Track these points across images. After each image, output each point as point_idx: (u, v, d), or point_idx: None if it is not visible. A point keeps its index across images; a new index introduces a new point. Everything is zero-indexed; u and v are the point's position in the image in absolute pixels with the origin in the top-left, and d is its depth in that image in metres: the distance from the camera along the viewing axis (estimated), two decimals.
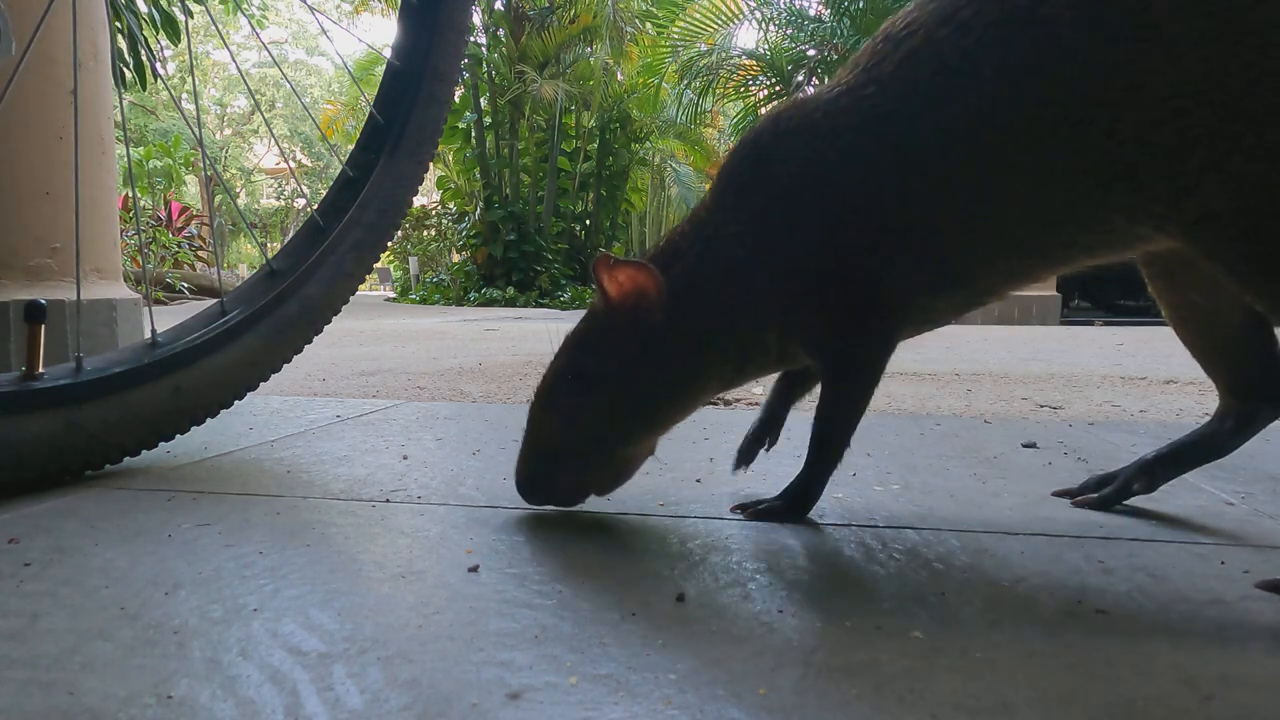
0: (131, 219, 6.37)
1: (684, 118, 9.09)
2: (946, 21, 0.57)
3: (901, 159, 0.60)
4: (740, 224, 0.65)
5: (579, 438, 0.66)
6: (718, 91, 7.53)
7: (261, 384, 0.97)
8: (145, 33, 2.63)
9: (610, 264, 0.63)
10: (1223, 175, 0.51)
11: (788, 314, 0.65)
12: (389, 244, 1.09)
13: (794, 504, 0.69)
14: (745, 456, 0.79)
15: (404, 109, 1.04)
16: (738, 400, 1.56)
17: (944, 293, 0.65)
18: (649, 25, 8.85)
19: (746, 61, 7.22)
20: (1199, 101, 0.51)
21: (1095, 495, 0.73)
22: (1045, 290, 5.24)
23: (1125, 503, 0.72)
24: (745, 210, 0.65)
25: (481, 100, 9.21)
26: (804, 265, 0.64)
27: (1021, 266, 0.63)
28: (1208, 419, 0.70)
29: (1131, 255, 0.63)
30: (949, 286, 0.64)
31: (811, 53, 6.76)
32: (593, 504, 0.73)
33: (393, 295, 12.47)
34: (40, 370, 0.81)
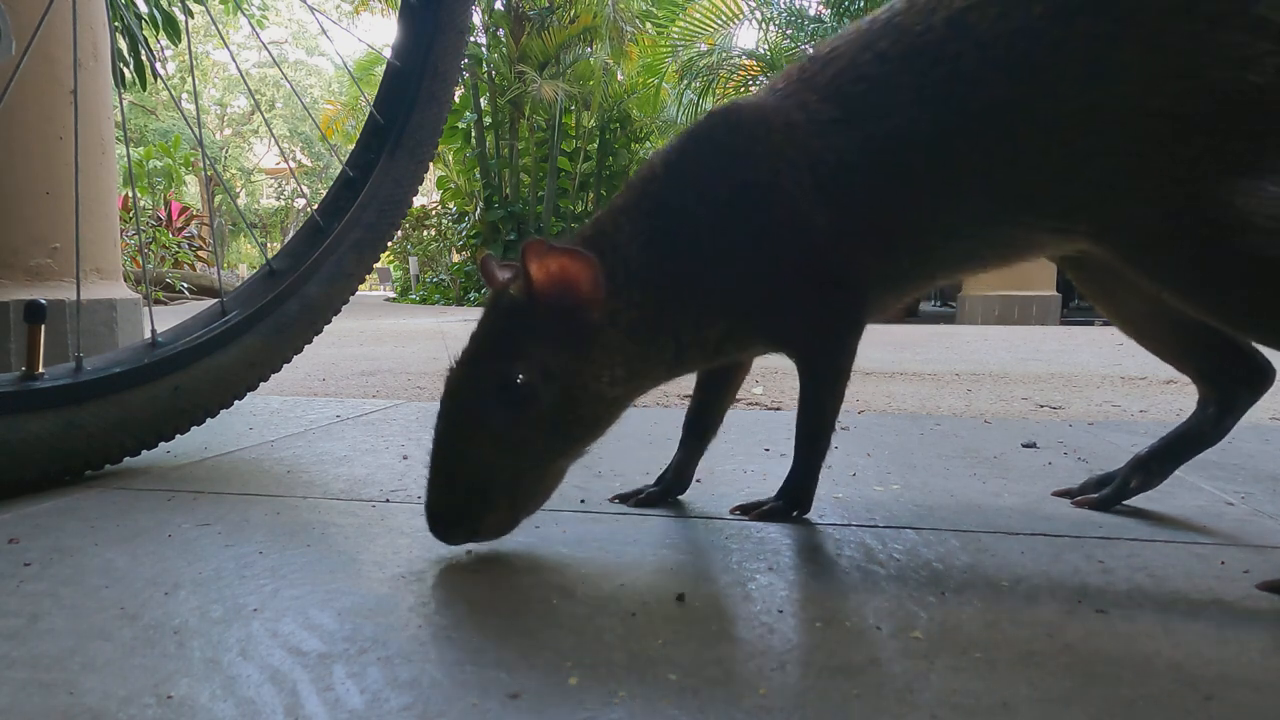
0: (131, 219, 6.36)
1: (684, 118, 9.08)
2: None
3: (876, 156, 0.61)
4: (699, 210, 0.62)
5: (509, 458, 0.57)
6: (718, 91, 7.52)
7: (261, 384, 0.97)
8: (145, 33, 2.63)
9: (543, 250, 0.55)
10: (1132, 187, 0.54)
11: (747, 308, 0.63)
12: (389, 244, 1.09)
13: (793, 501, 0.69)
14: (676, 485, 0.75)
15: (404, 109, 1.04)
16: (737, 400, 1.56)
17: (896, 282, 0.67)
18: (649, 25, 8.85)
19: (746, 61, 7.22)
20: (1105, 123, 0.54)
21: (1095, 496, 0.73)
22: (1045, 290, 5.25)
23: (1125, 503, 0.72)
24: (708, 197, 0.62)
25: (481, 100, 9.21)
26: (770, 258, 0.62)
27: (959, 262, 0.66)
28: (1192, 411, 0.70)
29: (1055, 254, 0.67)
30: (902, 276, 0.66)
31: (811, 53, 6.76)
32: (592, 504, 0.73)
33: (393, 295, 12.48)
34: (40, 370, 0.81)
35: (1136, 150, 0.53)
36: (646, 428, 1.12)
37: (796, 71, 0.66)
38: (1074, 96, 0.54)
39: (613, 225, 0.63)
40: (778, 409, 1.35)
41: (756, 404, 1.53)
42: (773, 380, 1.87)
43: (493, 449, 0.57)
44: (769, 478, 0.83)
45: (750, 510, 0.70)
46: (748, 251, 0.62)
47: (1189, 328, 0.67)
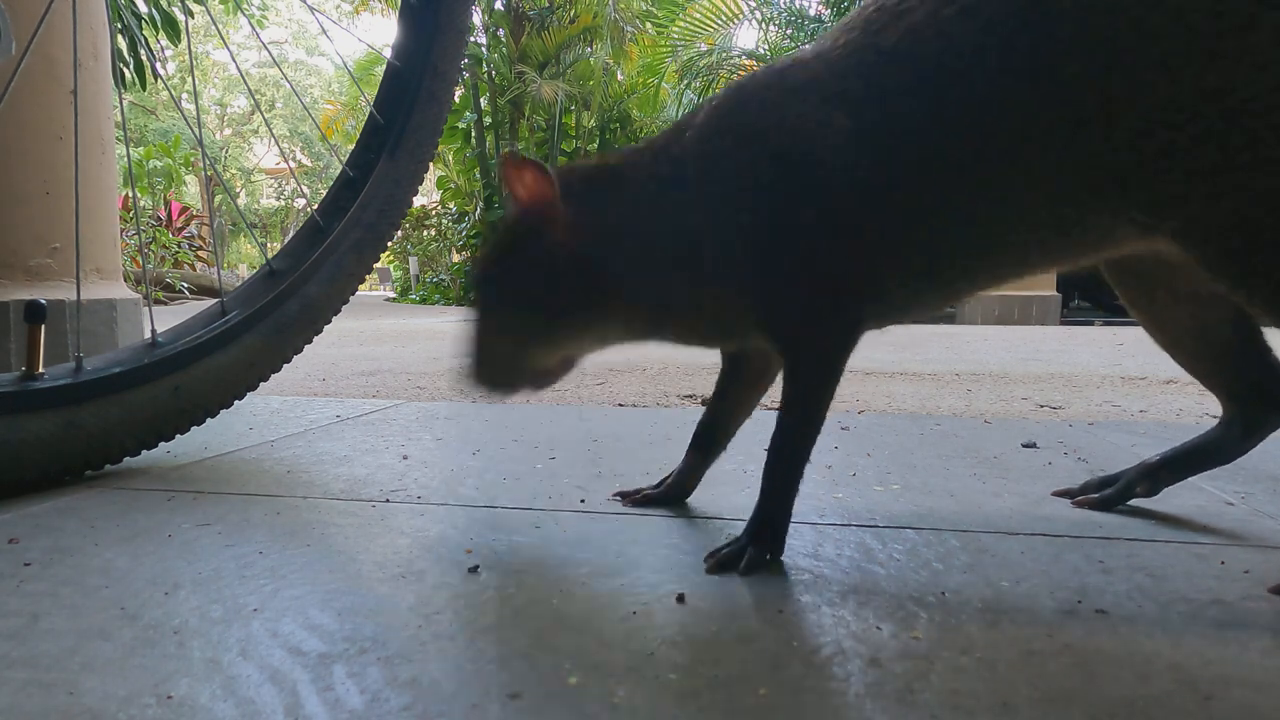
0: (131, 219, 6.36)
1: None
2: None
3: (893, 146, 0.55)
4: (698, 171, 0.59)
5: (496, 338, 0.65)
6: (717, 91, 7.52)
7: (261, 384, 0.97)
8: (145, 33, 2.63)
9: (516, 163, 0.59)
10: (1210, 182, 0.49)
11: (741, 283, 0.59)
12: (389, 244, 1.09)
13: (761, 540, 0.58)
14: (678, 491, 0.74)
15: (404, 109, 1.04)
16: None
17: (912, 285, 0.59)
18: (649, 25, 8.85)
19: (746, 61, 7.22)
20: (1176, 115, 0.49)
21: (1096, 496, 0.73)
22: (1045, 290, 5.24)
23: (1125, 503, 0.72)
24: (714, 160, 0.59)
25: (481, 100, 9.21)
26: (769, 232, 0.57)
27: (994, 267, 0.58)
28: (1214, 424, 0.69)
29: (1108, 257, 0.60)
30: (917, 280, 0.59)
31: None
32: (592, 504, 0.73)
33: (393, 295, 12.47)
34: (40, 370, 0.81)
35: (1246, 138, 0.47)
36: (646, 428, 1.12)
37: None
38: (1184, 69, 0.48)
39: (628, 153, 0.64)
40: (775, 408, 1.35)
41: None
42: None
43: (484, 325, 0.65)
44: None
45: (711, 558, 0.58)
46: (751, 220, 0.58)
47: (1227, 344, 0.65)
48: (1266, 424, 0.66)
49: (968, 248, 0.57)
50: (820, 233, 0.56)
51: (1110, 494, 0.72)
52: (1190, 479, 0.82)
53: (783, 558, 0.59)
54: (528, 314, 0.64)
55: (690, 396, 1.55)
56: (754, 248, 0.58)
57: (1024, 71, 0.51)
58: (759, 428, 1.11)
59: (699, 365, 1.76)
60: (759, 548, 0.58)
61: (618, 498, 0.75)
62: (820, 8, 6.78)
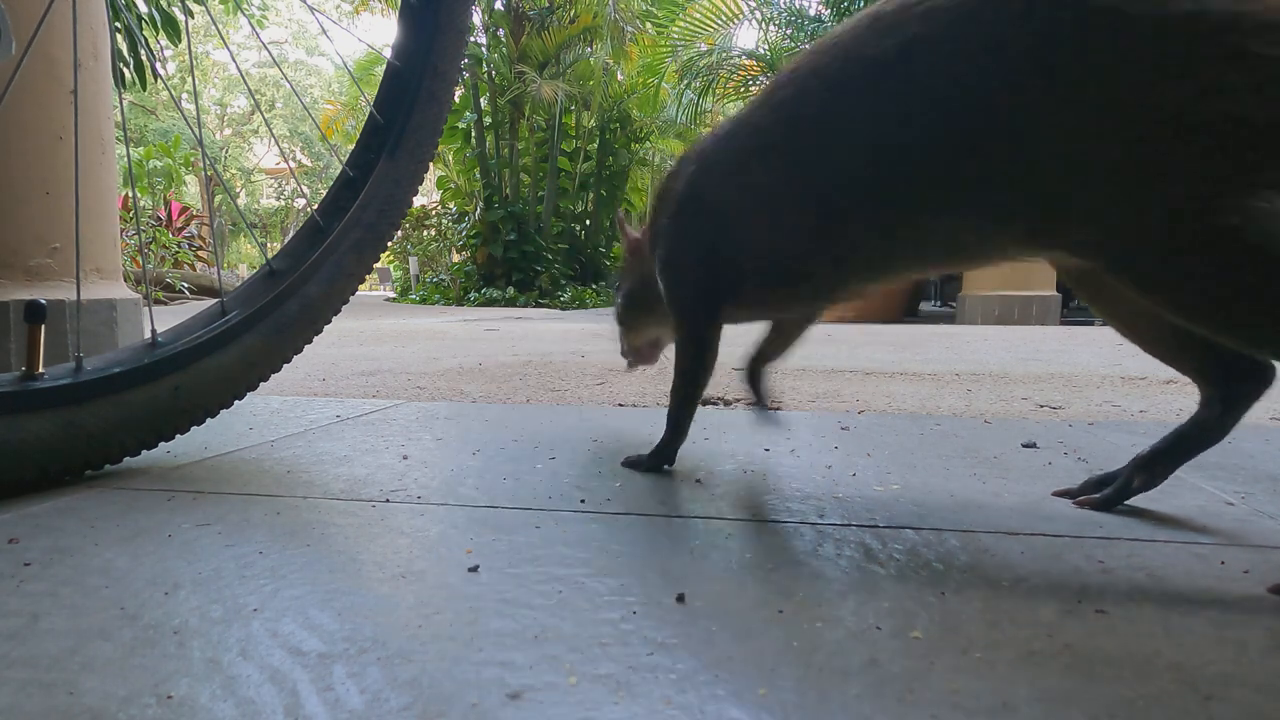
0: (131, 219, 6.36)
1: (684, 118, 9.08)
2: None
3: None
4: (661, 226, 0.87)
5: (620, 320, 1.02)
6: (718, 91, 7.52)
7: (261, 384, 0.97)
8: (145, 33, 2.63)
9: (623, 225, 1.00)
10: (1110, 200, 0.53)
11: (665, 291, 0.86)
12: (389, 244, 1.09)
13: (656, 454, 0.86)
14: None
15: (404, 109, 1.03)
16: (737, 400, 1.56)
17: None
18: (649, 25, 8.84)
19: (746, 61, 7.22)
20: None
21: (1098, 496, 0.73)
22: (1045, 290, 5.24)
23: (1125, 502, 0.72)
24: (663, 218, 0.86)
25: (481, 100, 9.21)
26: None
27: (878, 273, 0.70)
28: (1196, 409, 0.69)
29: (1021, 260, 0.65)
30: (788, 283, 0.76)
31: None
32: (592, 504, 0.73)
33: (393, 295, 12.47)
34: (40, 370, 0.81)
35: (1132, 158, 0.52)
36: (646, 428, 1.12)
37: None
38: (1070, 100, 0.53)
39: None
40: (777, 409, 1.35)
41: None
42: (773, 380, 1.87)
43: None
44: (769, 478, 0.83)
45: (626, 461, 0.87)
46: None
47: (1181, 327, 0.66)
48: (1242, 396, 0.67)
49: (880, 266, 0.69)
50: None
51: (1110, 493, 0.72)
52: (1191, 480, 0.82)
53: (782, 558, 0.59)
54: (629, 310, 0.99)
55: None
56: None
57: (907, 126, 0.60)
58: (758, 428, 1.10)
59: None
60: (655, 459, 0.86)
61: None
62: (820, 8, 6.78)
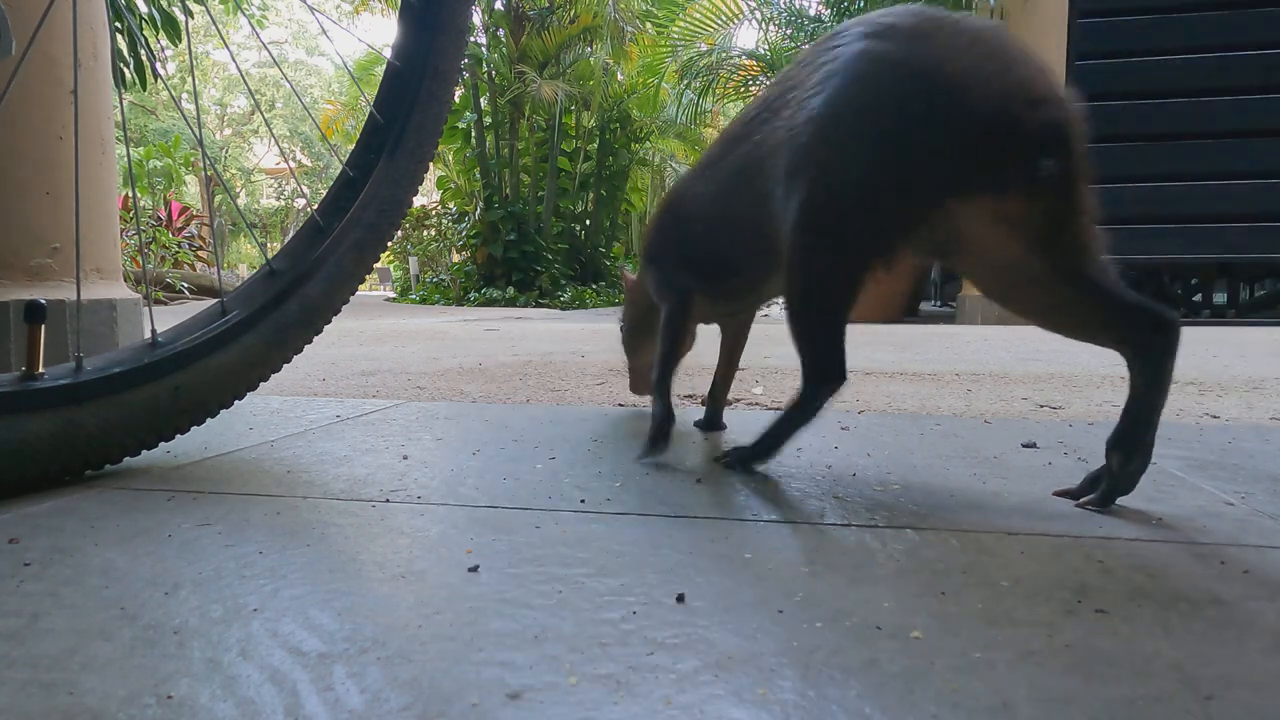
0: (131, 219, 6.36)
1: (684, 118, 9.08)
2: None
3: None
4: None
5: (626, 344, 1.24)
6: (718, 91, 7.52)
7: (261, 384, 0.97)
8: (145, 33, 2.63)
9: (626, 273, 1.25)
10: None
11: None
12: (389, 244, 1.09)
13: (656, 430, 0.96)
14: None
15: (404, 109, 1.03)
16: (737, 400, 1.56)
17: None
18: (649, 25, 8.85)
19: (746, 61, 7.22)
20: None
21: (1094, 495, 0.73)
22: None
23: (1125, 502, 0.72)
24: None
25: (481, 100, 9.20)
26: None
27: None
28: (1127, 376, 0.72)
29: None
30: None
31: None
32: (592, 504, 0.73)
33: (393, 295, 12.46)
34: (40, 370, 0.81)
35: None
36: (646, 428, 1.12)
37: None
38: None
39: None
40: (778, 409, 1.35)
41: (757, 404, 1.53)
42: (773, 380, 1.87)
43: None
44: (769, 478, 0.83)
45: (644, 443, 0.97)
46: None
47: (1082, 306, 0.72)
48: (1160, 346, 0.70)
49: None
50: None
51: (1105, 490, 0.72)
52: (1191, 480, 0.82)
53: (782, 558, 0.59)
54: (632, 338, 1.21)
55: (690, 396, 1.55)
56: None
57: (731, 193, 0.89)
58: (758, 427, 1.11)
59: (699, 366, 1.76)
60: (656, 435, 0.93)
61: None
62: (820, 8, 6.78)
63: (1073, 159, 0.67)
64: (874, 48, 0.71)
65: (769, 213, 0.80)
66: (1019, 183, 0.67)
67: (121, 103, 1.14)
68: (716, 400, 1.15)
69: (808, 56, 0.79)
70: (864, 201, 0.72)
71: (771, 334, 1.85)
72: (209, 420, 0.94)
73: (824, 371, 0.77)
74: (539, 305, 8.35)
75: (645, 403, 1.53)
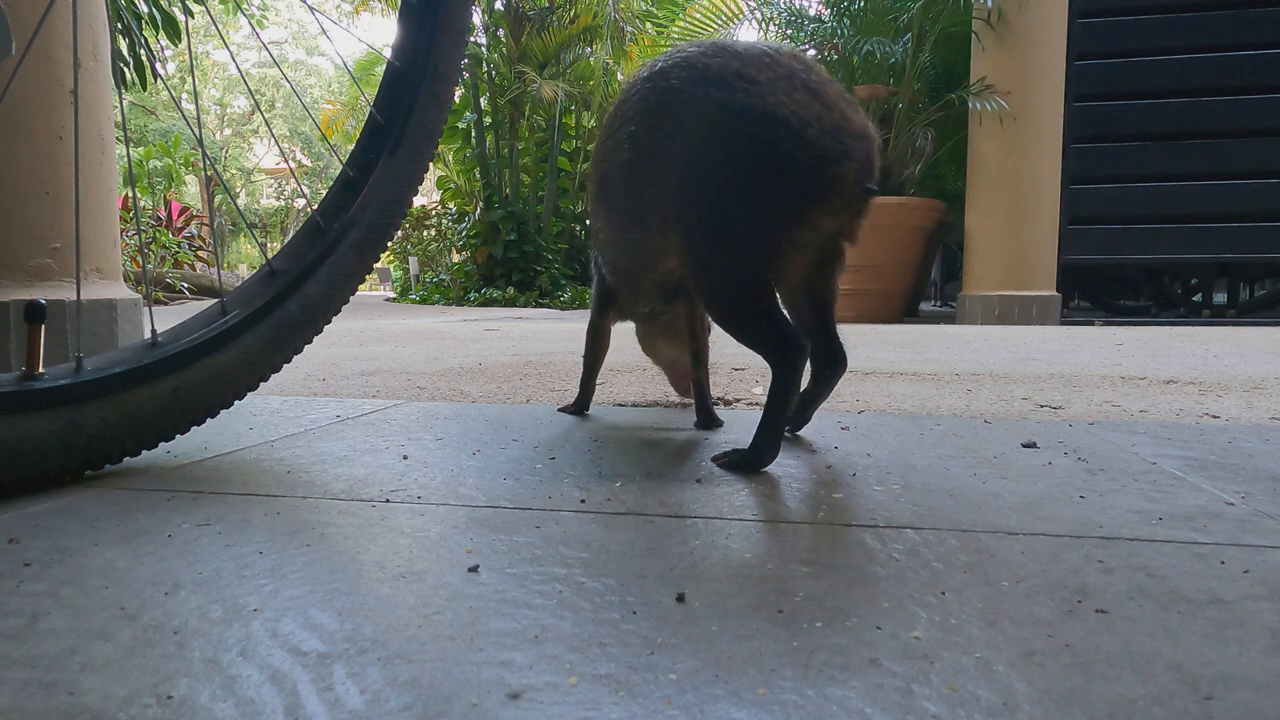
0: (131, 219, 6.36)
1: None
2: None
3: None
4: None
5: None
6: None
7: (261, 384, 0.97)
8: (145, 33, 2.63)
9: None
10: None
11: None
12: (389, 244, 1.09)
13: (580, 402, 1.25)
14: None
15: (404, 109, 1.03)
16: (737, 400, 1.56)
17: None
18: (649, 25, 8.84)
19: None
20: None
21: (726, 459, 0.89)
22: (1045, 290, 5.24)
23: (1125, 503, 0.72)
24: None
25: (481, 100, 9.20)
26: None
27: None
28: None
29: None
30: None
31: (811, 53, 6.75)
32: (592, 504, 0.73)
33: (393, 295, 12.46)
34: (40, 370, 0.81)
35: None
36: (646, 428, 1.12)
37: None
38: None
39: None
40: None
41: (756, 404, 1.53)
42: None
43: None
44: (769, 478, 0.83)
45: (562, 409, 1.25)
46: None
47: (802, 315, 0.98)
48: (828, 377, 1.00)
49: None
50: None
51: (733, 458, 0.88)
52: (1191, 480, 0.81)
53: (782, 558, 0.59)
54: (646, 341, 1.21)
55: (687, 402, 1.55)
56: None
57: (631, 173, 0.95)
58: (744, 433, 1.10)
59: (713, 364, 1.76)
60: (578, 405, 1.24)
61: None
62: (820, 8, 6.78)
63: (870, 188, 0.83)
64: (716, 97, 0.83)
65: (658, 233, 0.92)
66: (850, 202, 0.83)
67: (121, 103, 1.14)
68: (702, 397, 1.16)
69: (644, 92, 0.92)
70: (746, 219, 0.84)
71: None
72: (209, 420, 0.94)
73: (778, 346, 0.85)
74: (539, 305, 8.34)
75: (643, 401, 1.53)
